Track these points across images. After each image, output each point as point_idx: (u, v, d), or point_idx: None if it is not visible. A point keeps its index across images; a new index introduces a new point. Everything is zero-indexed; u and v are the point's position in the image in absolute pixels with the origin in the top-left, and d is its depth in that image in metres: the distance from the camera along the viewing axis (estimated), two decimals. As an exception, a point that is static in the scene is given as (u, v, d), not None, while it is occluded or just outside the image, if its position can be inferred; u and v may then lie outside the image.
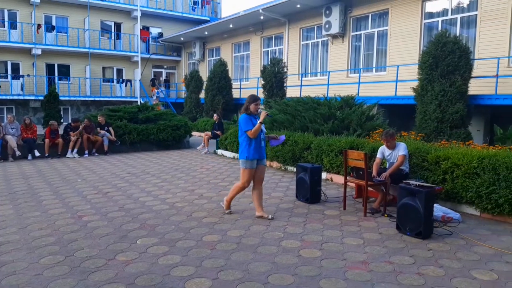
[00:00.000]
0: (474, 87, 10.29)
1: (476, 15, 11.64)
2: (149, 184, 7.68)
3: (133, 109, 13.48)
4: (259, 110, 5.40)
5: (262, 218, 5.43)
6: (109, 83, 25.34)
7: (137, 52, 25.24)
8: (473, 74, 10.00)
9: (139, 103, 21.03)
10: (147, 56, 26.02)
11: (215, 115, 13.65)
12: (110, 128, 12.00)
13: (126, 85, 25.41)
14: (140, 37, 25.47)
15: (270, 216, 5.44)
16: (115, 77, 25.93)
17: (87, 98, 23.57)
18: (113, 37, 25.79)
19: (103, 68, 25.44)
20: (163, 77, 27.90)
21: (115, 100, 23.84)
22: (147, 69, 26.53)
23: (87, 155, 11.46)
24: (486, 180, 5.37)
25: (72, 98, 22.91)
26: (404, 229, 4.81)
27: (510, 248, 4.39)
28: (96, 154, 11.68)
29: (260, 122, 5.25)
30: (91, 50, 23.75)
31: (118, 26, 25.89)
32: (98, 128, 11.89)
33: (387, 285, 3.50)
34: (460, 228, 5.07)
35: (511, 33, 10.82)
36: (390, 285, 3.51)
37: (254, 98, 5.44)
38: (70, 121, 11.97)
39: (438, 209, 5.34)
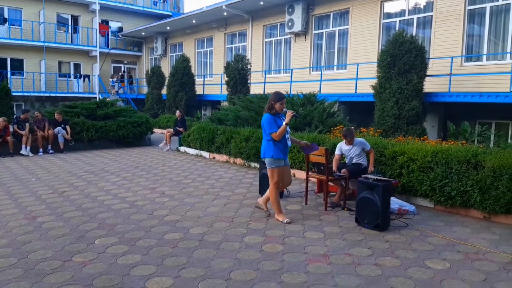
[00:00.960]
0: (429, 85, 10.73)
1: (432, 16, 12.13)
2: (108, 183, 7.46)
3: (91, 105, 13.04)
4: (284, 109, 5.02)
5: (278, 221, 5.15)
6: (66, 79, 24.35)
7: (96, 47, 24.40)
8: (428, 72, 10.42)
9: (97, 99, 20.35)
10: (106, 50, 25.22)
11: (177, 111, 13.45)
12: (67, 126, 11.53)
13: (84, 81, 24.52)
14: (99, 31, 24.63)
15: (286, 220, 5.10)
16: (72, 72, 24.96)
17: (42, 94, 22.54)
18: (70, 31, 24.81)
19: (59, 63, 24.44)
20: (125, 72, 27.14)
21: (72, 96, 22.96)
22: (107, 64, 25.73)
23: (41, 153, 10.97)
24: (440, 174, 5.63)
25: (25, 94, 21.86)
26: (363, 222, 4.95)
27: (462, 238, 4.62)
28: (52, 151, 11.20)
29: (285, 124, 4.91)
30: (46, 44, 22.73)
31: (75, 19, 24.93)
32: (52, 126, 11.35)
33: (346, 277, 3.59)
34: (415, 220, 5.28)
35: (464, 33, 11.37)
36: (349, 276, 3.60)
37: (279, 96, 5.00)
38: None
39: (395, 202, 5.54)
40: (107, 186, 7.16)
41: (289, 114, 4.94)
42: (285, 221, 5.11)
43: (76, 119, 12.08)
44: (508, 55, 10.51)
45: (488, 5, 10.96)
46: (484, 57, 11.20)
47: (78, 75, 24.61)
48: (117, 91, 24.51)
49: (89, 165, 9.34)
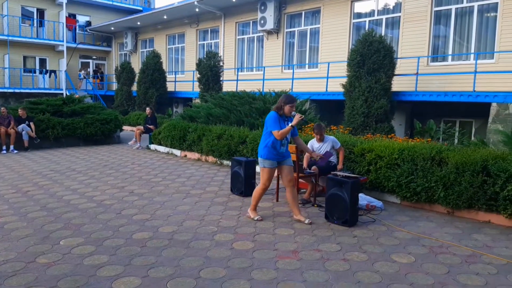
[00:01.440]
0: (397, 84, 11.01)
1: (400, 16, 12.43)
2: (74, 182, 7.26)
3: (57, 101, 12.61)
4: (293, 113, 4.88)
5: (299, 222, 5.04)
6: (31, 74, 23.47)
7: (63, 41, 23.62)
8: (396, 72, 10.69)
9: (64, 95, 19.74)
10: (74, 45, 24.48)
11: (147, 108, 13.22)
12: (32, 123, 11.12)
13: (50, 76, 23.69)
14: (66, 25, 23.86)
15: (307, 221, 5.00)
16: (37, 67, 24.09)
17: (5, 90, 21.64)
18: (35, 24, 23.91)
19: (24, 58, 23.53)
20: (92, 68, 26.44)
21: (38, 92, 22.11)
22: (74, 59, 24.97)
23: (5, 152, 10.55)
24: (406, 170, 5.79)
25: (-12, 90, 20.97)
26: (332, 218, 5.03)
27: (426, 233, 4.77)
28: (15, 151, 10.78)
29: (291, 125, 4.81)
30: (10, 38, 21.81)
31: (41, 12, 24.04)
32: (16, 123, 10.93)
33: (315, 272, 3.64)
34: (382, 215, 5.42)
35: (430, 34, 11.71)
36: (318, 272, 3.65)
37: (290, 99, 4.90)
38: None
39: (363, 198, 5.66)
40: (73, 185, 6.96)
41: (297, 117, 4.78)
42: (256, 218, 5.12)
43: (42, 116, 11.66)
44: (472, 55, 10.91)
45: (453, 7, 11.33)
46: (450, 57, 11.59)
47: (44, 70, 23.76)
48: (84, 87, 23.87)
49: (55, 164, 9.05)
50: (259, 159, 5.06)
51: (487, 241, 4.52)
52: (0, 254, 3.95)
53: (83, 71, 24.49)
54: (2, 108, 10.90)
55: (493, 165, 5.10)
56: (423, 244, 4.40)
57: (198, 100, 15.17)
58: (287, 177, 5.05)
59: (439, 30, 11.80)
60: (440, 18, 11.72)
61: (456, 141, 9.91)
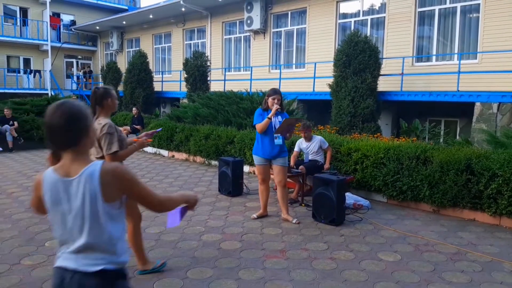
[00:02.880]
0: (383, 84, 11.12)
1: (385, 17, 12.55)
2: (60, 182, 7.15)
3: (42, 101, 12.47)
4: (275, 105, 4.86)
5: (287, 222, 5.08)
6: (15, 74, 23.04)
7: (47, 41, 23.22)
8: (382, 72, 10.79)
9: (49, 95, 19.44)
10: (58, 45, 24.09)
11: (134, 108, 13.12)
12: (15, 123, 10.93)
13: (34, 76, 23.28)
14: (50, 24, 23.49)
15: (295, 220, 5.04)
16: (21, 67, 23.67)
17: (-12, 90, 21.25)
18: (18, 23, 23.47)
19: (8, 57, 23.07)
20: (77, 67, 26.08)
21: (22, 93, 21.70)
22: (59, 59, 24.58)
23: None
24: (392, 169, 5.86)
25: (-30, 90, 20.53)
26: (319, 217, 5.06)
27: (413, 231, 4.83)
28: (1, 148, 10.58)
29: (268, 118, 4.79)
30: (-8, 37, 21.42)
31: (24, 11, 23.61)
32: None
33: (302, 271, 3.66)
34: (369, 214, 5.47)
35: (415, 34, 11.86)
36: (305, 271, 3.68)
37: (272, 91, 4.97)
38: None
39: (350, 197, 5.71)
40: (59, 186, 6.86)
41: (274, 108, 4.79)
42: (294, 221, 5.06)
43: (26, 116, 11.49)
44: (456, 55, 11.08)
45: (437, 8, 11.49)
46: (434, 58, 11.75)
47: (29, 70, 23.35)
48: (83, 85, 23.75)
49: (40, 165, 8.91)
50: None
51: (472, 239, 4.61)
52: (-17, 257, 3.88)
53: (81, 72, 24.27)
54: None
55: (477, 163, 5.19)
56: (409, 242, 4.46)
57: (185, 100, 15.08)
58: (277, 177, 5.08)
59: (423, 31, 11.96)
60: (424, 19, 11.87)
61: (441, 140, 10.05)
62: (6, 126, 10.75)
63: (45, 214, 1.71)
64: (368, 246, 4.32)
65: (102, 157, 3.13)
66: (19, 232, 4.59)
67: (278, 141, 4.89)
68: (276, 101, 4.88)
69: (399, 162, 5.86)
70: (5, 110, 10.92)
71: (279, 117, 4.96)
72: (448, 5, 11.30)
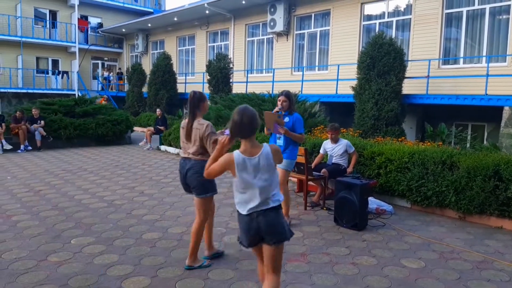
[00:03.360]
0: (408, 87, 10.93)
1: (410, 19, 12.35)
2: (86, 182, 7.34)
3: (69, 102, 12.78)
4: (279, 106, 4.89)
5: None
6: (44, 75, 23.79)
7: (75, 43, 23.90)
8: (407, 74, 10.61)
9: (76, 96, 19.96)
10: (86, 47, 24.76)
11: (158, 110, 13.33)
12: (42, 122, 11.28)
13: (62, 77, 24.00)
14: (78, 26, 24.16)
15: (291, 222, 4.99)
16: (50, 68, 24.40)
17: (19, 90, 21.97)
18: (48, 26, 24.23)
19: (37, 59, 23.86)
20: (103, 68, 26.68)
21: (51, 93, 22.40)
22: (86, 60, 25.26)
23: (22, 151, 10.73)
24: (416, 174, 5.74)
25: (2, 90, 21.26)
26: (341, 222, 5.01)
27: (437, 238, 4.72)
28: (30, 147, 10.94)
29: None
30: (23, 39, 22.13)
31: (53, 14, 24.37)
32: (29, 122, 11.13)
33: (323, 276, 3.63)
34: (392, 219, 5.38)
35: (442, 36, 11.62)
36: (327, 275, 3.64)
37: (280, 93, 5.03)
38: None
39: (373, 202, 5.62)
40: (85, 185, 7.03)
41: (275, 109, 4.89)
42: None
43: (54, 116, 11.83)
44: (484, 58, 10.79)
45: (464, 9, 11.23)
46: (461, 60, 11.47)
47: (57, 71, 24.07)
48: (110, 86, 24.40)
49: (67, 164, 9.16)
50: None
51: (499, 247, 4.47)
52: (13, 252, 4.01)
53: (110, 73, 24.96)
54: (17, 113, 11.11)
55: (505, 169, 5.03)
56: (434, 249, 4.36)
57: (208, 102, 15.21)
58: (280, 179, 5.06)
59: (450, 33, 11.70)
60: (451, 21, 11.61)
61: (467, 145, 9.79)
62: (34, 125, 11.11)
63: (216, 176, 2.76)
64: (391, 252, 4.25)
65: (202, 153, 3.66)
66: (46, 229, 4.72)
67: (280, 141, 4.95)
68: (280, 102, 4.92)
69: (424, 167, 5.74)
70: (33, 110, 11.29)
71: (287, 118, 4.94)
72: (476, 6, 11.02)
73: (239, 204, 2.64)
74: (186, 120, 3.76)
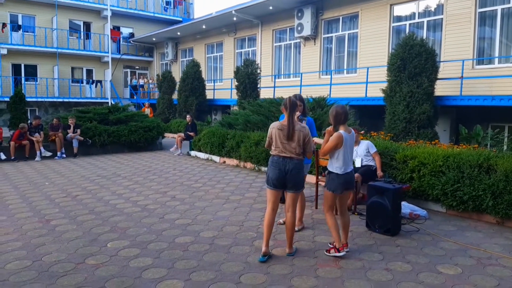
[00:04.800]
0: (440, 89, 10.66)
1: (442, 19, 12.05)
2: (120, 187, 7.55)
3: (103, 110, 13.21)
4: (297, 112, 4.62)
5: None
6: (79, 84, 24.70)
7: (108, 52, 24.73)
8: (439, 75, 10.35)
9: (110, 104, 20.60)
10: (118, 56, 25.55)
11: (188, 116, 13.56)
12: (78, 130, 11.72)
13: (96, 86, 24.87)
14: (111, 37, 24.98)
15: (296, 228, 4.86)
16: (84, 77, 25.31)
17: (55, 99, 22.91)
18: (82, 37, 25.18)
19: (72, 69, 24.81)
20: (136, 77, 27.42)
21: (85, 101, 23.27)
22: (118, 69, 26.05)
23: (59, 157, 11.19)
24: (451, 178, 5.58)
25: (39, 99, 22.22)
26: (373, 227, 4.93)
27: (474, 243, 4.57)
28: (64, 155, 11.38)
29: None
30: (59, 50, 23.10)
31: (87, 25, 25.31)
32: (61, 130, 11.60)
33: (356, 281, 3.58)
34: (426, 224, 5.24)
35: (475, 36, 11.27)
36: (360, 281, 3.60)
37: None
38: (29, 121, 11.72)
39: (406, 207, 5.50)
40: (119, 190, 7.24)
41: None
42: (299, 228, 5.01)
43: (89, 124, 12.25)
44: (521, 57, 10.39)
45: (499, 8, 10.85)
46: (496, 60, 11.08)
47: (91, 80, 24.94)
48: (143, 94, 25.19)
49: (102, 169, 9.46)
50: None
51: (541, 253, 4.28)
52: (52, 255, 4.17)
53: (146, 80, 25.84)
54: (54, 120, 11.59)
55: (547, 172, 4.82)
56: (471, 255, 4.22)
57: (236, 107, 15.35)
58: None
59: (484, 32, 11.33)
60: (485, 19, 11.25)
61: (505, 147, 9.42)
62: (71, 135, 11.54)
63: (330, 152, 4.13)
64: (426, 258, 4.15)
65: (302, 153, 4.11)
66: (83, 233, 4.89)
67: None
68: (297, 108, 4.83)
69: (460, 171, 5.57)
70: (70, 119, 11.74)
71: (303, 122, 4.82)
72: (511, 4, 10.63)
73: (338, 168, 4.05)
74: (282, 122, 4.14)
